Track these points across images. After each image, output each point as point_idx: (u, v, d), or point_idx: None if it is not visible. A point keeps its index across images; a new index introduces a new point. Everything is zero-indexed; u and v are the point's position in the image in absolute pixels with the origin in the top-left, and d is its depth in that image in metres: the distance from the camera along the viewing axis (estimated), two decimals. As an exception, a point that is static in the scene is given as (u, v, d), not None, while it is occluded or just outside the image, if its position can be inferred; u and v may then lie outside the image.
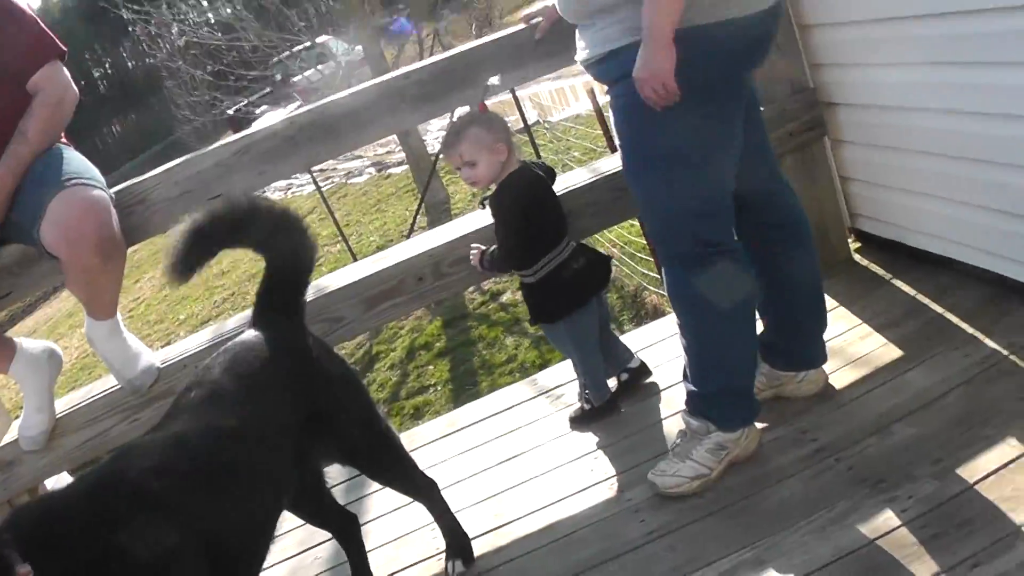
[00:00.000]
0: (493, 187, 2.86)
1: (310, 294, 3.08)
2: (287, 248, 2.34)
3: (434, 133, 14.87)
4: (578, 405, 3.08)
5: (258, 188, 3.24)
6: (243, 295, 11.93)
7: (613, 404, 3.01)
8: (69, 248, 2.56)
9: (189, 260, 2.17)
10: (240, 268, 13.57)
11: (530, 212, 2.80)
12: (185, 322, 12.36)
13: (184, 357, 2.99)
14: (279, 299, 2.36)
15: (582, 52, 2.41)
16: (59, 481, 3.35)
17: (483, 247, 2.93)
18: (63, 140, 2.89)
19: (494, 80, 2.97)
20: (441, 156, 2.86)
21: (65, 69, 2.86)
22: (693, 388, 2.50)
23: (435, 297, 3.18)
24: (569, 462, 2.85)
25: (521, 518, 2.69)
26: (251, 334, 2.26)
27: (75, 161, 2.76)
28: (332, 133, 3.02)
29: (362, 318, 3.08)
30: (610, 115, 2.55)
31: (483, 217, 3.10)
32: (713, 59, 2.21)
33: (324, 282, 3.24)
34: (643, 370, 3.09)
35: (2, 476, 2.94)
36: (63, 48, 2.85)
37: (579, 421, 3.04)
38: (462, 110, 3.07)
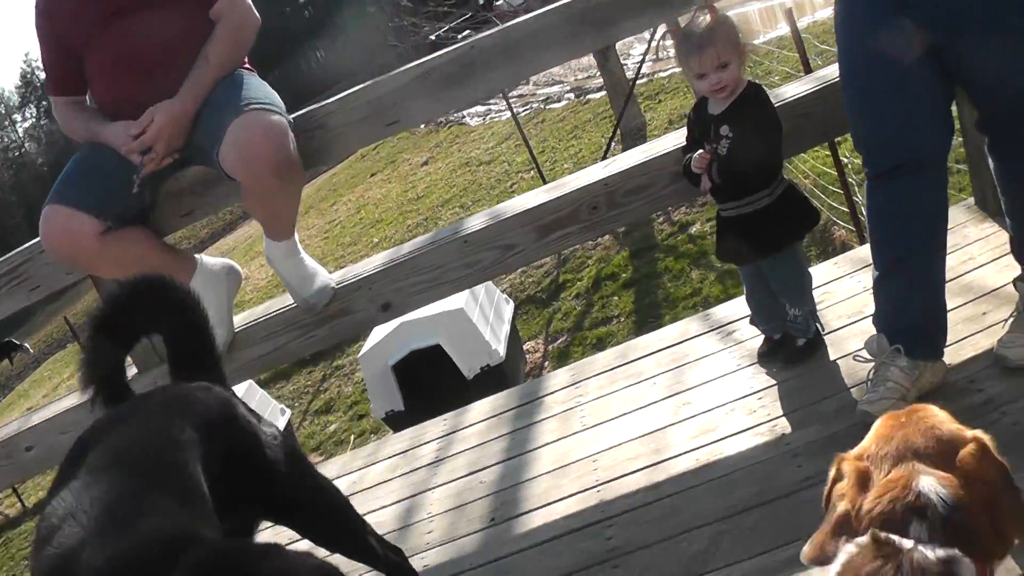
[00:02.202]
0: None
1: (483, 219, 3.13)
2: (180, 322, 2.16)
3: (635, 58, 14.63)
4: (758, 339, 2.96)
5: (437, 114, 3.27)
6: (435, 220, 12.17)
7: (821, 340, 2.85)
8: (247, 170, 2.64)
9: (98, 371, 2.06)
10: (434, 194, 13.86)
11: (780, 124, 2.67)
12: (378, 245, 12.73)
13: (359, 279, 3.07)
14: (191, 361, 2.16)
15: None
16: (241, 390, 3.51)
17: (713, 149, 2.63)
18: (245, 66, 2.98)
19: None
20: (678, 63, 2.70)
21: None
22: None
23: (609, 227, 3.15)
24: (732, 400, 2.79)
25: (679, 455, 2.66)
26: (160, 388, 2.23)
27: (255, 86, 2.84)
28: (512, 58, 2.97)
29: (534, 246, 3.06)
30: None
31: (655, 147, 3.03)
32: None
33: (498, 209, 3.25)
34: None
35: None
36: None
37: (782, 357, 2.86)
38: (662, 29, 2.94)
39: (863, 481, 1.39)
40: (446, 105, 3.11)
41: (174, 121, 2.78)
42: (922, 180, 2.38)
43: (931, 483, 1.31)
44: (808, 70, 5.46)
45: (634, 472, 2.64)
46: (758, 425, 2.62)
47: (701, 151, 2.64)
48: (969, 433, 1.44)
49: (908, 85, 2.33)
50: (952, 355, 2.54)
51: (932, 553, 1.25)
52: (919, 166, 2.37)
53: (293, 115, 2.94)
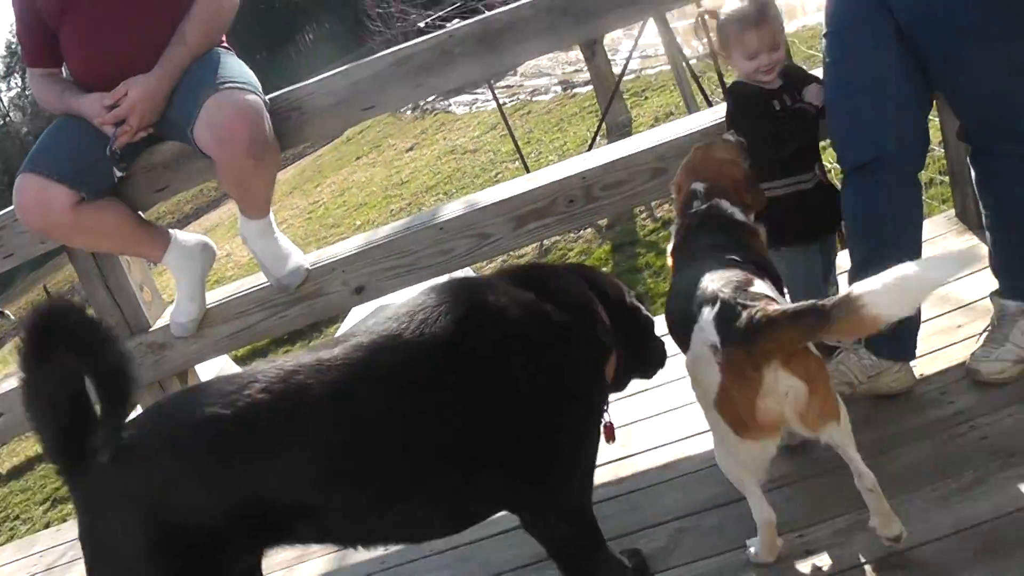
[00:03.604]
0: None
1: (460, 207, 3.12)
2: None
3: (622, 53, 14.62)
4: None
5: (415, 99, 3.26)
6: (419, 206, 12.14)
7: None
8: (221, 149, 2.64)
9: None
10: (418, 180, 13.82)
11: None
12: (360, 228, 12.68)
13: (333, 261, 3.08)
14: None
15: None
16: (218, 366, 3.50)
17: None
18: (223, 45, 2.98)
19: None
20: (721, 45, 2.64)
21: None
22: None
23: (587, 220, 3.15)
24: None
25: (644, 451, 2.68)
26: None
27: (231, 65, 2.84)
28: (490, 48, 2.99)
29: (509, 236, 3.07)
30: None
31: (636, 143, 3.03)
32: None
33: (475, 197, 3.26)
34: None
35: (154, 357, 3.11)
36: None
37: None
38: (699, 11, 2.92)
39: (679, 192, 2.40)
40: (424, 91, 3.11)
41: (148, 96, 2.78)
42: (890, 181, 2.39)
43: (697, 184, 2.32)
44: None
45: (598, 466, 2.63)
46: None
47: (814, 85, 2.59)
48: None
49: (885, 86, 2.35)
50: (925, 366, 2.56)
51: (701, 206, 2.28)
52: (887, 166, 2.38)
53: (270, 95, 2.93)
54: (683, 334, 1.99)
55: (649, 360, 2.28)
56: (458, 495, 1.85)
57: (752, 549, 2.12)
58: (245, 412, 1.69)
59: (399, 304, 1.92)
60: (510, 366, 1.83)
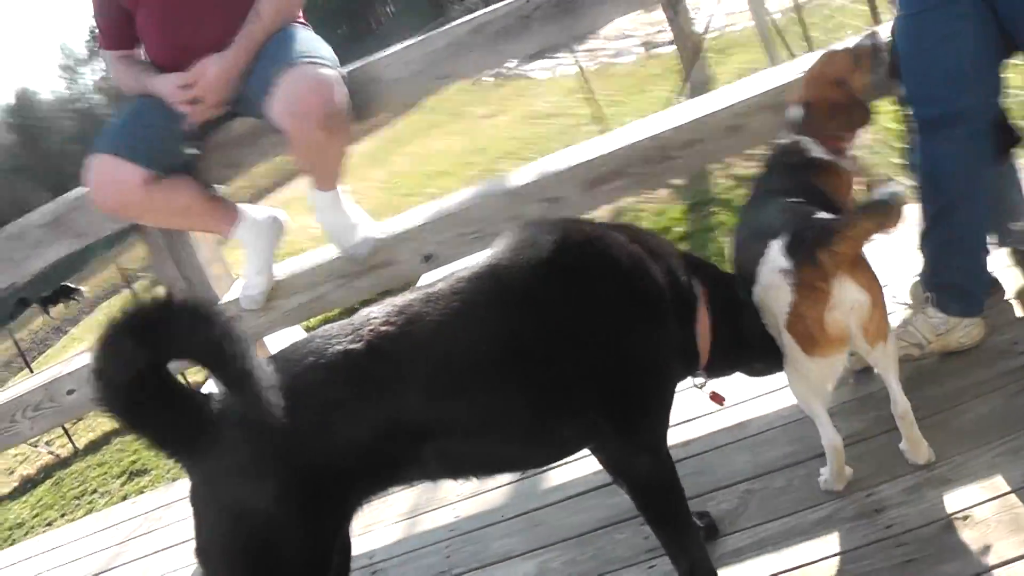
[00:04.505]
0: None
1: (531, 173, 3.11)
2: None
3: (705, 11, 14.37)
4: None
5: (492, 66, 3.25)
6: (496, 172, 12.13)
7: None
8: (294, 122, 2.66)
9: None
10: (496, 147, 13.81)
11: None
12: (436, 196, 12.72)
13: (403, 231, 3.08)
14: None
15: None
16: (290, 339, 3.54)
17: None
18: (299, 20, 2.99)
19: None
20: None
21: None
22: None
23: (659, 181, 3.12)
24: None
25: (712, 413, 2.64)
26: None
27: (307, 41, 2.85)
28: (567, 11, 2.94)
29: (580, 199, 3.04)
30: None
31: (711, 102, 2.97)
32: None
33: (546, 162, 3.23)
34: None
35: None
36: None
37: None
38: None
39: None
40: (501, 58, 3.08)
41: (224, 74, 2.81)
42: (960, 136, 2.32)
43: (797, 109, 2.35)
44: (878, 23, 5.32)
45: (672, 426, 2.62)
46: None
47: None
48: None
49: (958, 39, 2.28)
50: (997, 316, 2.48)
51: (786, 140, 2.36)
52: (960, 121, 2.31)
53: (347, 68, 2.94)
54: (750, 270, 2.10)
55: (751, 337, 2.17)
56: (556, 419, 1.91)
57: (823, 477, 2.17)
58: (376, 343, 1.76)
59: (499, 240, 2.02)
60: (605, 301, 1.92)
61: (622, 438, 1.96)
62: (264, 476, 1.70)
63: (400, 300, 1.86)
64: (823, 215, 2.05)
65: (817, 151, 2.32)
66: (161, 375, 1.66)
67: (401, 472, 1.86)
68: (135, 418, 1.68)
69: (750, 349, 2.17)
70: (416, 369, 1.78)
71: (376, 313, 1.82)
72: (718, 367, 2.17)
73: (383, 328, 1.78)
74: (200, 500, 1.76)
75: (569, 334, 1.86)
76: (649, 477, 1.98)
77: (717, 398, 2.21)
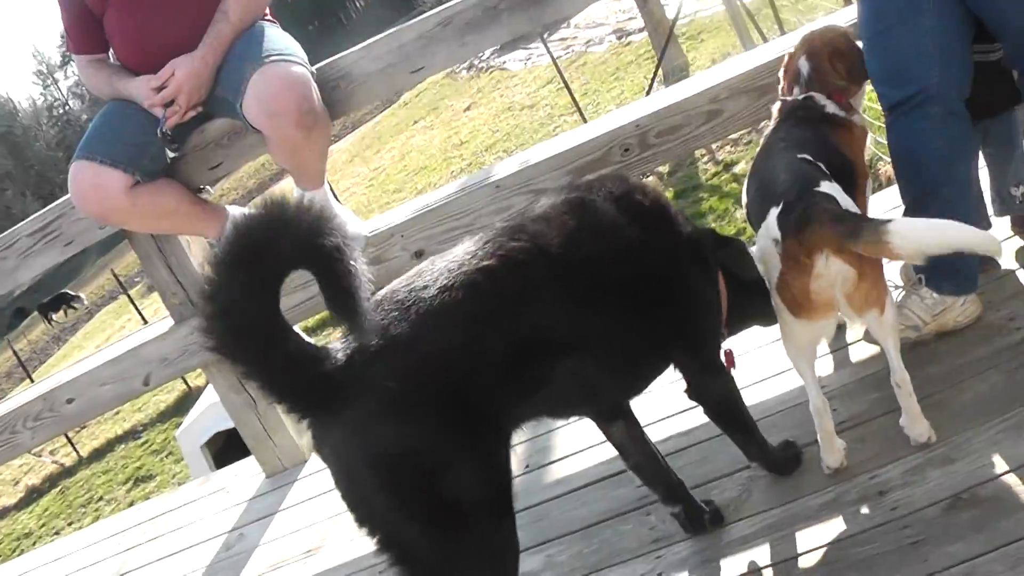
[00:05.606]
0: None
1: (515, 164, 3.09)
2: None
3: (676, -2, 14.39)
4: None
5: (464, 59, 3.23)
6: (479, 165, 12.14)
7: None
8: (270, 122, 2.65)
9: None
10: (478, 139, 13.80)
11: None
12: (422, 191, 12.73)
13: (391, 227, 3.07)
14: None
15: None
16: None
17: None
18: (267, 17, 2.97)
19: None
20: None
21: None
22: None
23: (643, 169, 3.09)
24: (769, 343, 2.70)
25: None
26: None
27: (276, 38, 2.83)
28: (537, 1, 2.93)
29: (566, 191, 3.02)
30: None
31: (688, 87, 2.95)
32: None
33: (529, 153, 3.22)
34: None
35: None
36: None
37: None
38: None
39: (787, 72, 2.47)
40: (471, 50, 3.08)
41: (194, 75, 2.79)
42: (933, 115, 2.29)
43: (803, 62, 2.40)
44: (849, 3, 5.33)
45: (667, 418, 2.62)
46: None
47: None
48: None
49: (920, 16, 2.26)
50: (993, 291, 2.47)
51: (797, 95, 2.39)
52: (930, 100, 2.28)
53: (316, 65, 2.92)
54: (756, 228, 2.19)
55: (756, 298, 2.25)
56: (650, 347, 2.05)
57: (825, 461, 2.17)
58: (510, 258, 1.80)
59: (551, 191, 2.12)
60: (677, 247, 2.07)
61: (696, 362, 2.13)
62: (419, 408, 1.66)
63: (510, 222, 1.92)
64: (826, 187, 2.05)
65: (831, 106, 2.34)
66: (280, 320, 1.68)
67: (538, 396, 1.85)
68: (251, 362, 1.65)
69: (761, 300, 2.22)
70: (550, 283, 1.84)
71: (478, 252, 1.82)
72: (732, 325, 2.25)
73: (512, 244, 1.83)
74: (351, 454, 1.69)
75: (653, 272, 2.00)
76: (722, 390, 2.17)
77: (730, 359, 2.25)
